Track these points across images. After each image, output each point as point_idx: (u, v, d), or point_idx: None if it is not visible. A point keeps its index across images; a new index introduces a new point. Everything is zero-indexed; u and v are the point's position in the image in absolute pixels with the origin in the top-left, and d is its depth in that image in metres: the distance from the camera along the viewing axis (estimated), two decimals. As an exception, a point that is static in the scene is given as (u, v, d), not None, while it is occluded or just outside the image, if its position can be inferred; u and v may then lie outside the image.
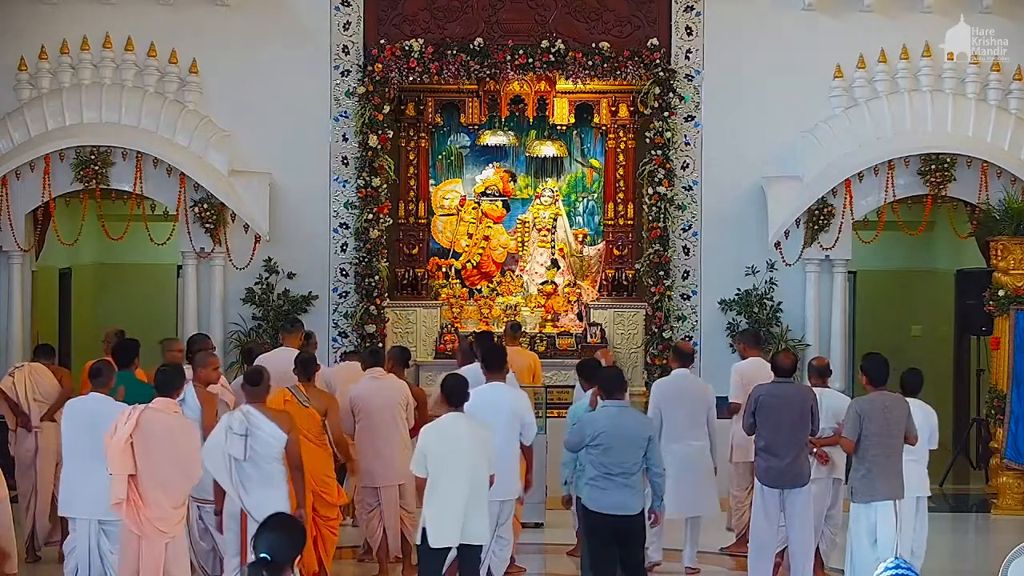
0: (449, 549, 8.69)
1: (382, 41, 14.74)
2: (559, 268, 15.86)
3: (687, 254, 15.03)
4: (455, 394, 8.83)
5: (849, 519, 9.73)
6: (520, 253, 16.06)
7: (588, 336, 15.01)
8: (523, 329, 14.32)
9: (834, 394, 10.79)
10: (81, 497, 9.03)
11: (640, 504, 8.83)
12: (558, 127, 15.67)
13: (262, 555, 5.13)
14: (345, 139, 14.90)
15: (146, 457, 8.40)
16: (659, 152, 14.71)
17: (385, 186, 14.73)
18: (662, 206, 14.71)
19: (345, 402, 10.65)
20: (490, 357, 9.93)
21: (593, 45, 14.66)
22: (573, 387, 12.12)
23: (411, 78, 14.74)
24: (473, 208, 16.09)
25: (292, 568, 5.21)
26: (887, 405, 9.52)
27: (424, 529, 8.60)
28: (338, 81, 14.89)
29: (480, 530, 8.71)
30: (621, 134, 15.47)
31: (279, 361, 11.04)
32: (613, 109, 15.40)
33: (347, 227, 14.89)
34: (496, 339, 12.55)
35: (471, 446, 8.63)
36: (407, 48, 14.61)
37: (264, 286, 14.80)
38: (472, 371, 10.26)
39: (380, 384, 10.70)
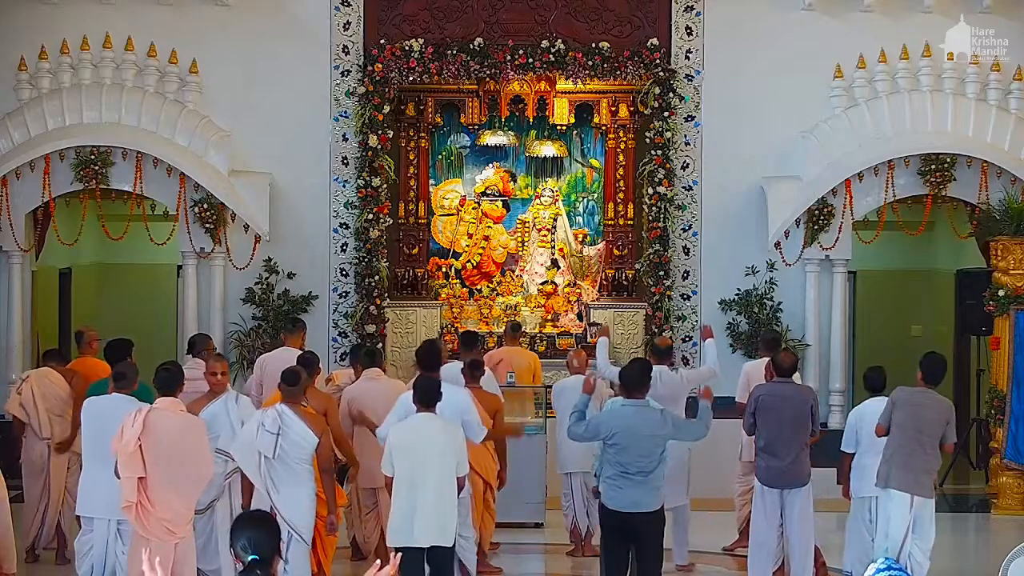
0: (423, 549, 8.66)
1: (382, 41, 14.74)
2: (559, 268, 15.86)
3: (687, 254, 15.03)
4: (426, 394, 8.84)
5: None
6: (520, 253, 16.06)
7: (588, 336, 15.01)
8: (523, 329, 14.32)
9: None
10: (101, 496, 9.03)
11: (658, 502, 8.80)
12: (558, 127, 15.68)
13: (252, 556, 5.19)
14: (345, 139, 14.90)
15: (157, 458, 8.39)
16: (659, 152, 14.71)
17: (385, 186, 14.73)
18: (662, 206, 14.71)
19: (343, 404, 10.67)
20: (424, 358, 9.91)
21: (593, 45, 14.66)
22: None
23: (411, 78, 14.74)
24: (473, 208, 16.09)
25: (281, 556, 5.26)
26: (921, 402, 9.51)
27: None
28: (338, 81, 14.89)
29: (446, 531, 8.70)
30: (621, 134, 15.48)
31: (280, 361, 11.05)
32: (613, 109, 15.40)
33: (347, 227, 14.89)
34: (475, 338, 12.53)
35: (440, 447, 8.64)
36: (407, 48, 14.62)
37: (264, 286, 14.80)
38: (449, 370, 10.32)
39: (377, 385, 10.72)
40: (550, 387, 12.30)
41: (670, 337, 14.08)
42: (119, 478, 8.50)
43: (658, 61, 14.70)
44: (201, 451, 8.62)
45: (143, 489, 8.39)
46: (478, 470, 10.45)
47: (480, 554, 10.76)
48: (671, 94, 14.74)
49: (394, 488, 8.65)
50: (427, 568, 8.83)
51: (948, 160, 14.43)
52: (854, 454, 10.04)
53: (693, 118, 14.97)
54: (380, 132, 14.63)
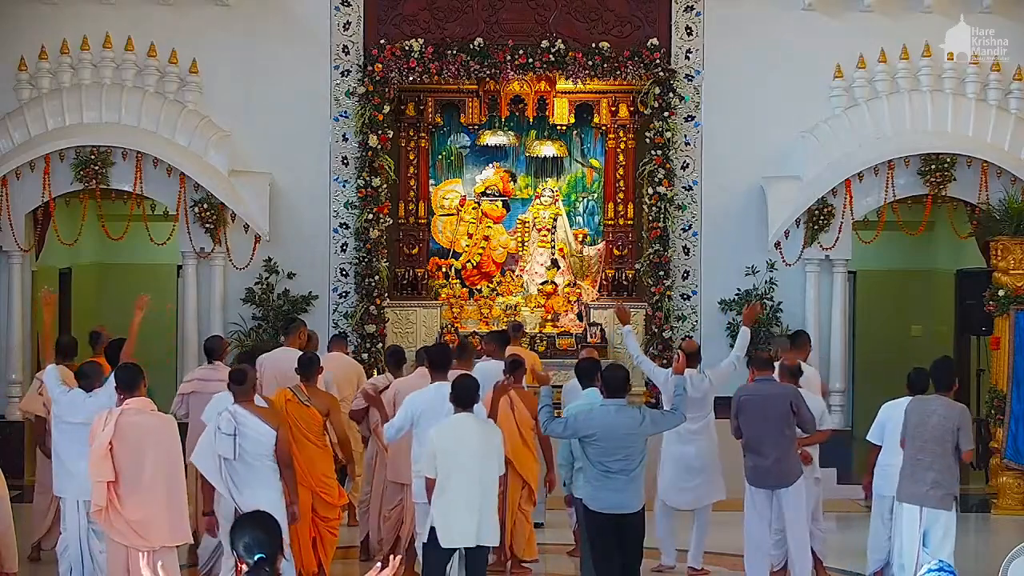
0: (455, 550, 8.69)
1: (382, 41, 14.75)
2: (559, 268, 15.85)
3: (687, 254, 15.03)
4: (465, 394, 8.84)
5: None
6: (520, 253, 16.05)
7: (588, 336, 15.01)
8: (524, 329, 14.30)
9: (807, 395, 10.67)
10: (70, 479, 9.22)
11: (640, 502, 8.82)
12: (558, 127, 15.67)
13: (259, 555, 5.24)
14: (345, 139, 14.90)
15: (130, 460, 8.36)
16: (659, 152, 14.72)
17: (385, 186, 14.74)
18: (662, 206, 14.72)
19: (390, 394, 10.62)
20: (435, 357, 9.82)
21: (593, 45, 14.67)
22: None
23: (411, 78, 14.74)
24: (473, 208, 16.08)
25: (283, 554, 5.31)
26: (928, 410, 9.33)
27: (433, 528, 8.62)
28: (338, 81, 14.89)
29: (490, 531, 8.71)
30: (621, 134, 15.47)
31: (279, 361, 11.06)
32: (613, 109, 15.40)
33: (347, 227, 14.89)
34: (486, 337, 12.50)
35: (481, 446, 8.64)
36: (407, 48, 14.62)
37: (264, 286, 14.80)
38: (484, 368, 10.28)
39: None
40: (554, 387, 12.26)
41: (684, 337, 14.05)
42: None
43: (658, 61, 14.70)
44: (171, 449, 8.61)
45: (114, 491, 8.37)
46: (520, 471, 10.42)
47: (513, 559, 10.75)
48: (671, 94, 14.75)
49: (437, 489, 8.62)
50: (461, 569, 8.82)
51: (948, 160, 14.43)
52: (880, 447, 9.94)
53: (693, 118, 14.98)
54: (380, 132, 14.63)
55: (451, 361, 9.92)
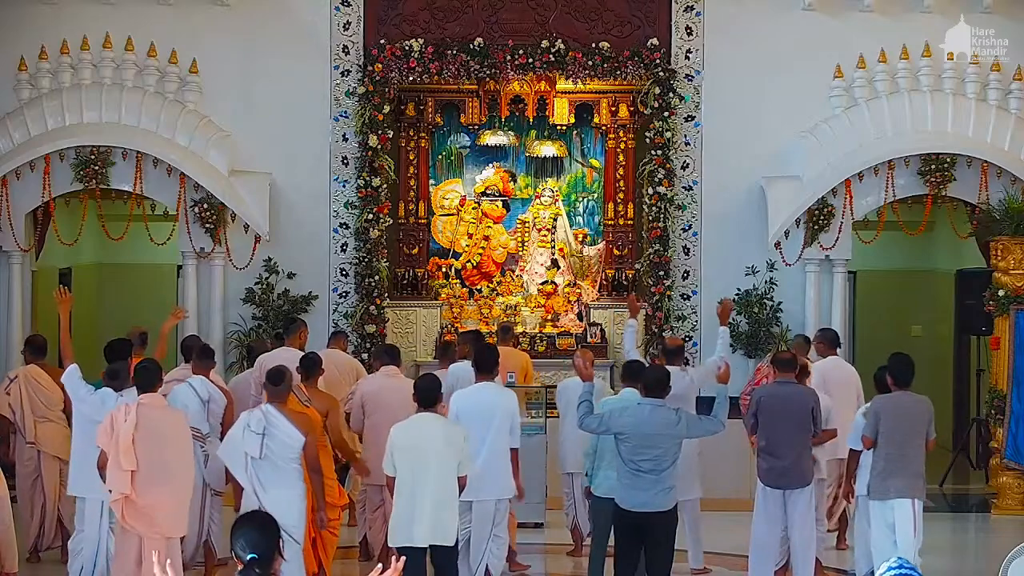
0: (423, 549, 8.68)
1: (382, 41, 14.75)
2: (559, 268, 15.86)
3: (687, 254, 15.04)
4: (427, 394, 8.85)
5: (869, 516, 9.72)
6: (520, 253, 16.06)
7: (588, 336, 15.01)
8: (513, 331, 14.24)
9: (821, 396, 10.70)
10: (90, 477, 9.14)
11: (670, 502, 8.80)
12: (558, 127, 15.68)
13: (251, 555, 5.26)
14: (345, 139, 14.90)
15: (146, 452, 8.45)
16: (659, 152, 14.72)
17: (385, 186, 14.74)
18: (662, 206, 14.72)
19: (357, 398, 10.65)
20: (481, 358, 9.89)
21: (593, 45, 14.67)
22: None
23: (411, 78, 14.75)
24: (473, 208, 16.09)
25: (281, 555, 5.33)
26: (904, 407, 9.51)
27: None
28: (338, 81, 14.89)
29: (447, 531, 8.70)
30: (621, 134, 15.48)
31: (279, 361, 11.04)
32: (613, 109, 15.41)
33: (347, 227, 14.90)
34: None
35: (440, 446, 8.64)
36: (407, 48, 14.62)
37: (264, 286, 14.80)
38: (460, 369, 10.28)
39: (394, 383, 10.66)
40: (553, 386, 12.28)
41: (683, 337, 14.03)
42: (101, 474, 8.59)
43: (658, 61, 14.70)
44: (185, 443, 8.81)
45: (133, 484, 8.47)
46: None
47: (509, 555, 10.78)
48: (671, 94, 14.75)
49: (396, 488, 8.66)
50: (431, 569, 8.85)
51: (948, 160, 14.43)
52: (860, 452, 9.98)
53: (693, 118, 14.98)
54: (380, 132, 14.64)
55: (496, 362, 9.89)
